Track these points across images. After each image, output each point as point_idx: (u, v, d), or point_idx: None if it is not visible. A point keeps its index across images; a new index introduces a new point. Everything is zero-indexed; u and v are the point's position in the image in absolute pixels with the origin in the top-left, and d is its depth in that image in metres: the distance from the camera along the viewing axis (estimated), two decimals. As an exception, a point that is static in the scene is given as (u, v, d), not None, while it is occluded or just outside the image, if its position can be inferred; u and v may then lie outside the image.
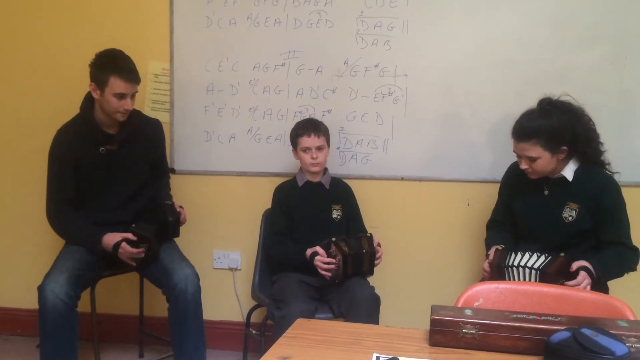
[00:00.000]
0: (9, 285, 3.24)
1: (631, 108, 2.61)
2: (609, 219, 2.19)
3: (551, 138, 2.13)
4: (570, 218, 2.22)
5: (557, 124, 2.13)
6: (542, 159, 2.16)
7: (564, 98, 2.22)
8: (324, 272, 2.39)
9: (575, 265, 2.05)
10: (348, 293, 2.37)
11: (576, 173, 2.23)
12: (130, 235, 2.44)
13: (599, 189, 2.19)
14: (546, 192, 2.28)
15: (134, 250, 2.43)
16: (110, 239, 2.43)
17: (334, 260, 2.37)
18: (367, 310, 2.30)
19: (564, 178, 2.23)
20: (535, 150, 2.15)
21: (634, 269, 2.20)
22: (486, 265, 2.24)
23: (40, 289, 2.29)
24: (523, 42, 2.66)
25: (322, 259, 2.38)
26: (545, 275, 2.06)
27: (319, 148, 2.55)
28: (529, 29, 2.65)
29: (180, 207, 2.61)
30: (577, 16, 2.61)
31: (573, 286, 2.01)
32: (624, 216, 2.21)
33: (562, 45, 2.63)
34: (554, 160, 2.18)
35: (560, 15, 2.62)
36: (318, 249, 2.41)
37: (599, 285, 2.10)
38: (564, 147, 2.15)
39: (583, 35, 2.61)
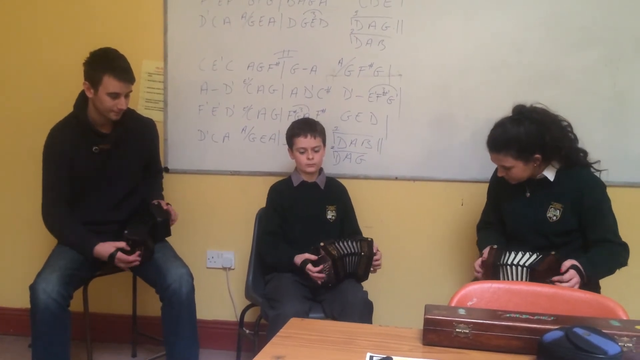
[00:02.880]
0: (1, 284, 3.22)
1: (624, 110, 2.62)
2: (594, 218, 2.20)
3: (521, 149, 2.15)
4: (554, 218, 2.23)
5: (524, 135, 2.15)
6: (516, 168, 2.19)
7: (537, 106, 2.23)
8: (316, 278, 2.38)
9: (564, 265, 2.06)
10: (341, 296, 2.36)
11: (558, 173, 2.24)
12: (123, 245, 2.42)
13: (581, 188, 2.21)
14: (528, 194, 2.29)
15: (130, 259, 2.42)
16: (104, 249, 2.41)
17: (323, 267, 2.36)
18: (359, 315, 2.29)
19: (546, 179, 2.24)
20: (507, 161, 2.18)
21: (625, 264, 2.20)
22: (478, 263, 2.25)
23: (32, 288, 2.28)
24: (517, 44, 2.67)
25: (312, 268, 2.37)
26: (535, 273, 2.08)
27: (315, 149, 2.53)
28: (523, 31, 2.66)
29: (168, 204, 2.60)
30: (570, 19, 2.62)
31: (561, 283, 2.02)
32: (609, 214, 2.22)
33: (555, 47, 2.64)
34: (529, 167, 2.20)
35: (554, 18, 2.63)
36: (307, 255, 2.40)
37: (590, 283, 2.11)
38: (537, 155, 2.17)
39: (577, 38, 2.62)
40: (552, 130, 2.16)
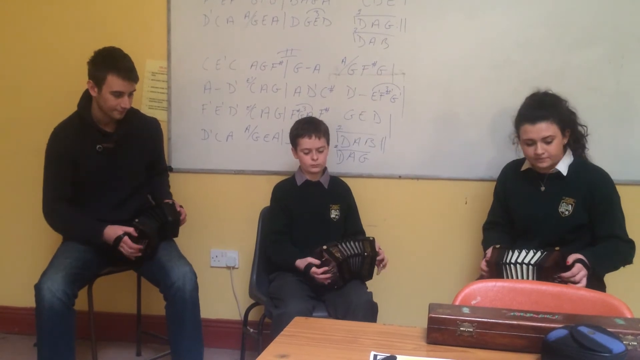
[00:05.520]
0: (6, 283, 3.24)
1: (628, 107, 2.61)
2: (603, 213, 2.21)
3: (561, 117, 2.19)
4: (566, 212, 2.24)
5: (562, 106, 2.23)
6: (557, 139, 2.19)
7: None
8: (323, 280, 2.37)
9: (570, 258, 2.07)
10: (345, 298, 2.35)
11: (570, 167, 2.25)
12: (132, 230, 2.43)
13: (593, 183, 2.22)
14: (543, 188, 2.29)
15: (135, 246, 2.42)
16: (112, 231, 2.42)
17: (328, 268, 2.36)
18: (364, 316, 2.27)
19: (559, 173, 2.25)
20: (552, 129, 2.17)
21: (630, 262, 2.21)
22: (483, 264, 2.25)
23: (37, 288, 2.28)
24: (520, 42, 2.66)
25: (317, 270, 2.36)
26: (542, 270, 2.07)
27: (320, 150, 2.52)
28: (527, 29, 2.65)
29: (180, 206, 2.61)
30: (574, 16, 2.61)
31: (569, 277, 2.02)
32: (618, 210, 2.23)
33: (559, 45, 2.63)
34: (562, 144, 2.22)
35: (557, 15, 2.62)
36: (310, 259, 2.39)
37: (594, 277, 2.11)
38: (568, 130, 2.22)
39: (580, 35, 2.61)
40: (573, 113, 2.28)
